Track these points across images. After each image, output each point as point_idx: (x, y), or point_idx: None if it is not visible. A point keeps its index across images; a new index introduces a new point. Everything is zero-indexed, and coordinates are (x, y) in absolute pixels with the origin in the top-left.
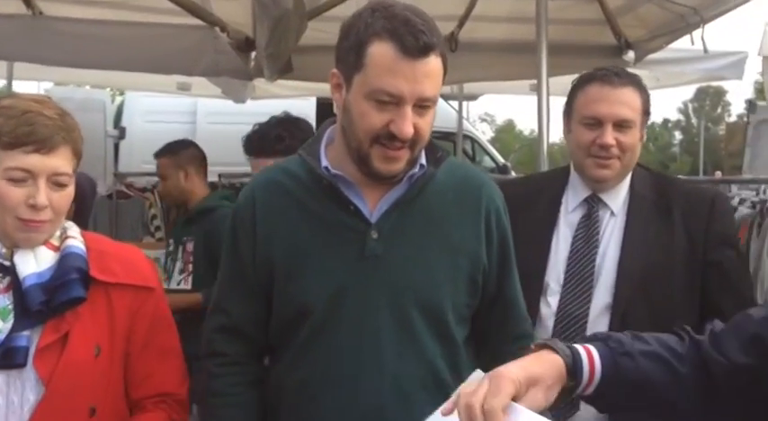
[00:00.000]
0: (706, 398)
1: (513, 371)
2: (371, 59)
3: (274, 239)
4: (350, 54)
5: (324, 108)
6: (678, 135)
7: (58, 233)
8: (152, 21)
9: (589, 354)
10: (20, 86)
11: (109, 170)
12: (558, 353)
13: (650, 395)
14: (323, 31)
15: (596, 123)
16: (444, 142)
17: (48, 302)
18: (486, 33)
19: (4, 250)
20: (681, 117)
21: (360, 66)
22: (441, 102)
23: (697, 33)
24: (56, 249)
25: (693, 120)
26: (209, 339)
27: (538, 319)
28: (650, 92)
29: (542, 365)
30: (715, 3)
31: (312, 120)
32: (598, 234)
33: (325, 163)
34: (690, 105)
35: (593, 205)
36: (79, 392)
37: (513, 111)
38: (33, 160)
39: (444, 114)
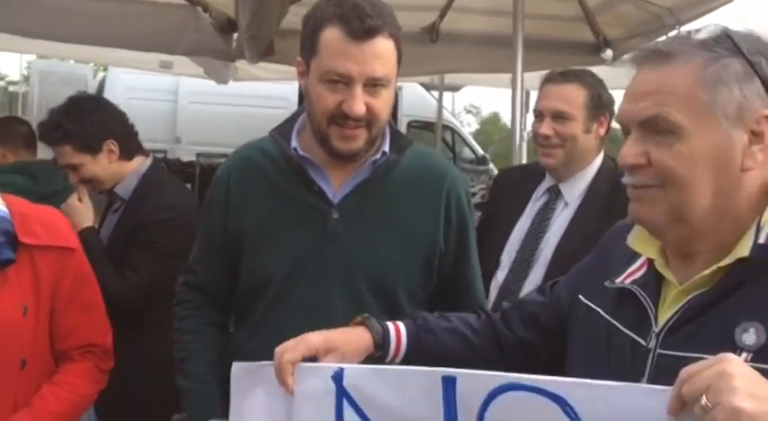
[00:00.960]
0: (498, 368)
1: (315, 337)
2: (323, 44)
3: (245, 212)
4: (307, 41)
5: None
6: None
7: None
8: None
9: (397, 330)
10: (2, 58)
11: None
12: (369, 329)
13: (450, 364)
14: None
15: (539, 116)
16: (424, 132)
17: None
18: (467, 25)
19: None
20: None
21: (315, 51)
22: (422, 91)
23: (673, 35)
24: None
25: None
26: (178, 292)
27: (490, 291)
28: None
29: (346, 337)
30: (691, 5)
31: (294, 104)
32: (548, 221)
33: (294, 144)
34: None
35: (552, 195)
36: (9, 348)
37: (498, 103)
38: None
39: (425, 104)
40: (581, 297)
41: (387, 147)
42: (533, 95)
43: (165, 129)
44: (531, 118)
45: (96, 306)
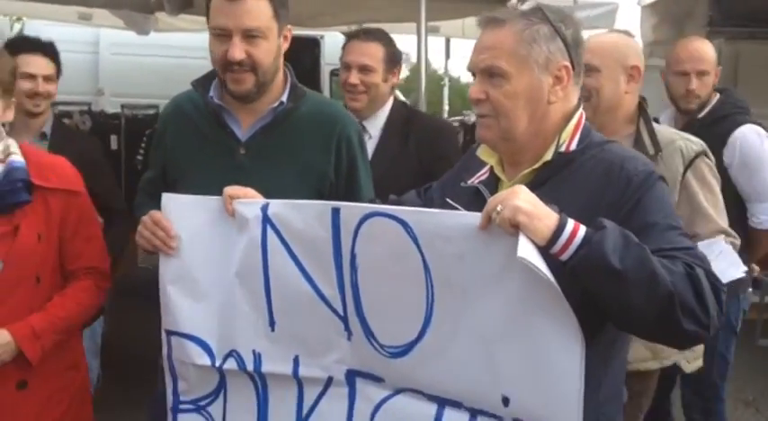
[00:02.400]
0: None
1: (251, 191)
2: (212, 6)
3: (175, 149)
4: (206, 7)
5: None
6: None
7: (1, 147)
8: None
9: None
10: None
11: None
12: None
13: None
14: None
15: (347, 68)
16: None
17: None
18: None
19: None
20: None
21: (208, 13)
22: (343, 40)
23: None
24: (1, 162)
25: None
26: (136, 200)
27: None
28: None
29: None
30: None
31: None
32: None
33: (212, 93)
34: None
35: (362, 128)
36: (27, 266)
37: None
38: None
39: None
40: (447, 199)
41: (285, 98)
42: (456, 42)
43: (88, 82)
44: (452, 64)
45: (96, 237)
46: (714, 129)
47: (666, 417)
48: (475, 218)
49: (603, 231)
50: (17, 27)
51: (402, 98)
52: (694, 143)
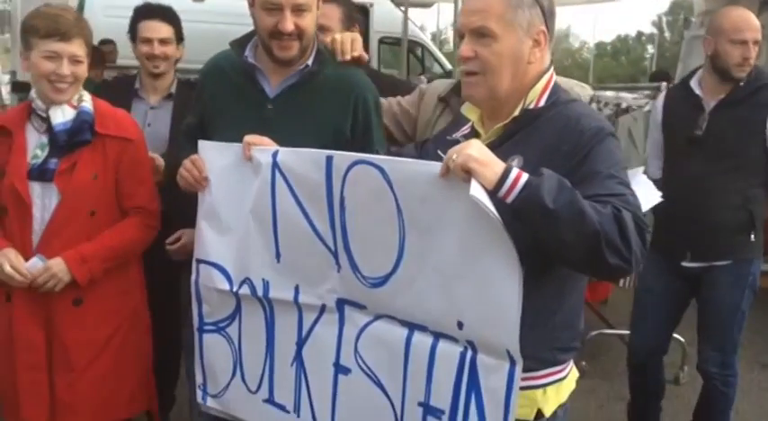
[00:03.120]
0: None
1: (268, 140)
2: None
3: (212, 100)
4: None
5: None
6: (651, 49)
7: (76, 96)
8: None
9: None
10: None
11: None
12: None
13: None
14: None
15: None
16: (395, 47)
17: (67, 141)
18: None
19: (43, 106)
20: (654, 31)
21: None
22: (393, 9)
23: None
24: (74, 108)
25: (667, 34)
26: (180, 140)
27: None
28: (586, 15)
29: None
30: None
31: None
32: None
33: (247, 53)
34: (664, 19)
35: None
36: (82, 201)
37: None
38: (59, 46)
39: (395, 21)
40: (438, 151)
41: (311, 61)
42: None
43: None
44: None
45: (146, 180)
46: (759, 96)
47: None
48: (437, 166)
49: (542, 177)
50: None
51: (449, 65)
52: (586, 89)
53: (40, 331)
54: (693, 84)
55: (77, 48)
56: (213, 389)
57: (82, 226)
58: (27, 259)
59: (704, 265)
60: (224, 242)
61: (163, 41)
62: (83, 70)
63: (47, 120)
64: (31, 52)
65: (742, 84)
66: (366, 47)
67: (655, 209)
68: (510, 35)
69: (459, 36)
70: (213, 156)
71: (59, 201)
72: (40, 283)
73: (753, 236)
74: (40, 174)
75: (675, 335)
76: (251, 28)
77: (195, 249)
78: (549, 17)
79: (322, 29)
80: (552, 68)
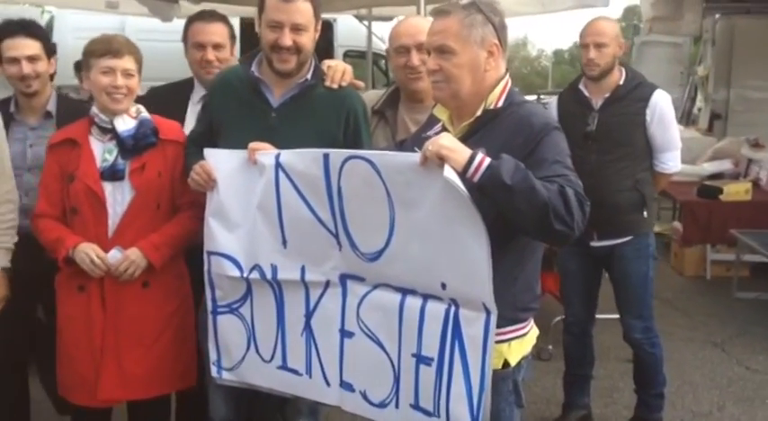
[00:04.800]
0: None
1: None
2: (267, 5)
3: (220, 109)
4: (259, 4)
5: (247, 27)
6: None
7: (134, 109)
8: None
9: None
10: None
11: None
12: None
13: None
14: None
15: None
16: (360, 60)
17: (134, 145)
18: None
19: (107, 119)
20: None
21: (262, 9)
22: (356, 23)
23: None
24: (134, 118)
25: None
26: (186, 146)
27: None
28: (542, 23)
29: None
30: None
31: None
32: None
33: (253, 68)
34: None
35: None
36: (152, 195)
37: None
38: (112, 62)
39: (359, 35)
40: (415, 148)
41: (309, 75)
42: None
43: None
44: None
45: None
46: (635, 93)
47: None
48: (417, 156)
49: (501, 160)
50: (47, 17)
51: None
52: None
53: (112, 315)
54: (581, 87)
55: (128, 63)
56: (228, 363)
57: (150, 218)
58: (104, 250)
59: (610, 244)
60: (233, 235)
61: (31, 59)
62: (134, 83)
63: (111, 129)
64: (91, 71)
65: (621, 83)
66: (331, 59)
67: None
68: (466, 49)
69: (427, 53)
70: (219, 161)
71: (133, 196)
72: (121, 271)
73: (645, 213)
74: (112, 174)
75: None
76: None
77: (205, 243)
78: (500, 31)
79: (299, 29)
80: (508, 75)
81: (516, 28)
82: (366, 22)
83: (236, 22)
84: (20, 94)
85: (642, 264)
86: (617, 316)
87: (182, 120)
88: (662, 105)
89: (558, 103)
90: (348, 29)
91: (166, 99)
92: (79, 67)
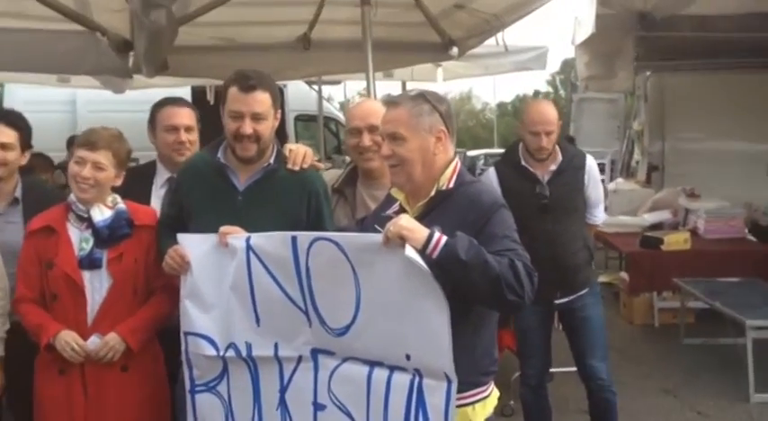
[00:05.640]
0: None
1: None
2: (228, 96)
3: (189, 195)
4: (222, 95)
5: (198, 95)
6: None
7: (110, 199)
8: (38, 27)
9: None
10: None
11: None
12: None
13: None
14: (193, 35)
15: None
16: (311, 123)
17: (109, 235)
18: (332, 34)
19: (83, 207)
20: (550, 89)
21: (224, 100)
22: (305, 88)
23: (500, 35)
24: (111, 208)
25: (561, 92)
26: (158, 230)
27: None
28: (486, 77)
29: None
30: (511, 11)
31: None
32: None
33: (219, 155)
34: (557, 78)
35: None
36: (129, 282)
37: (388, 92)
38: (85, 153)
39: (309, 99)
40: (376, 225)
41: (272, 160)
42: (410, 85)
43: (65, 138)
44: None
45: None
46: (574, 163)
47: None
48: (379, 237)
49: (456, 238)
50: None
51: None
52: None
53: (93, 400)
54: (525, 163)
55: (102, 156)
56: None
57: (128, 304)
58: (82, 335)
59: (571, 298)
60: (208, 316)
61: (4, 146)
62: (104, 176)
63: (88, 218)
64: (71, 160)
65: (561, 158)
66: (283, 124)
67: None
68: (416, 136)
69: (382, 139)
70: (192, 245)
71: (111, 284)
72: (101, 356)
73: (593, 264)
74: (90, 263)
75: None
76: None
77: (182, 324)
78: (447, 119)
79: (259, 118)
80: (457, 157)
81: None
82: (316, 87)
83: (187, 90)
84: None
85: (599, 308)
86: (573, 368)
87: (146, 203)
88: (594, 168)
89: (501, 179)
90: (298, 93)
91: (130, 182)
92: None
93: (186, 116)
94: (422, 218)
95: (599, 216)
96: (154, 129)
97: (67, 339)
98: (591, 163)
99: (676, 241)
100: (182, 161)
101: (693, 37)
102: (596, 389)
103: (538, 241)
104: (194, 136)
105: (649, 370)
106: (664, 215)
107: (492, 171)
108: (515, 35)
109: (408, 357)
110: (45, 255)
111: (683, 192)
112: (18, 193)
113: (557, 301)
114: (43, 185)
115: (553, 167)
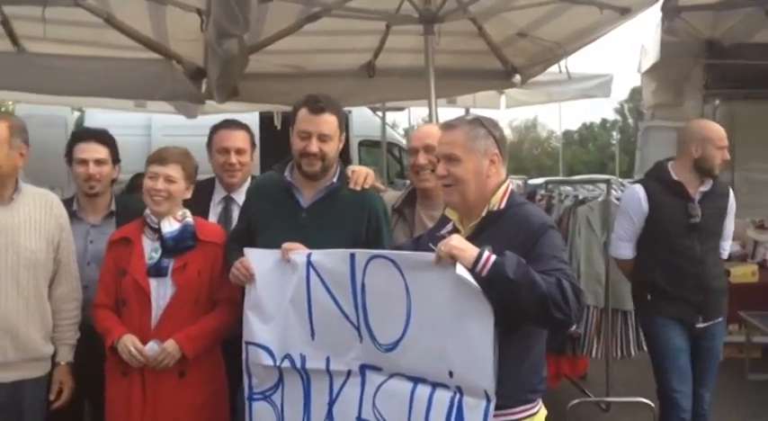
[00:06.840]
0: None
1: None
2: (298, 117)
3: (258, 210)
4: (291, 116)
5: (265, 120)
6: (616, 134)
7: (180, 213)
8: (118, 55)
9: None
10: None
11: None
12: None
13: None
14: (262, 62)
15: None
16: (374, 149)
17: (174, 246)
18: (396, 62)
19: (156, 220)
20: (618, 117)
21: (294, 121)
22: (369, 114)
23: (563, 62)
24: (179, 221)
25: (630, 120)
26: (227, 244)
27: None
28: (551, 105)
29: None
30: (573, 40)
31: (256, 130)
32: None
33: (286, 173)
34: (626, 105)
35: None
36: (191, 292)
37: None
38: (157, 169)
39: (373, 125)
40: (430, 244)
41: (335, 179)
42: (480, 111)
43: (141, 160)
44: None
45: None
46: (719, 188)
47: None
48: (432, 256)
49: (505, 257)
50: (77, 114)
51: None
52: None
53: (151, 402)
54: (678, 179)
55: (173, 170)
56: None
57: (189, 312)
58: (145, 340)
59: (709, 324)
60: (267, 327)
61: (98, 162)
62: (176, 188)
63: (158, 229)
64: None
65: (713, 180)
66: (347, 149)
67: (654, 284)
68: (471, 158)
69: (437, 160)
70: (257, 259)
71: (174, 292)
72: (158, 361)
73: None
74: (157, 271)
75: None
76: None
77: (244, 334)
78: (501, 143)
79: (325, 139)
80: (509, 179)
81: (526, 111)
82: (380, 113)
83: (255, 116)
84: (82, 195)
85: (722, 341)
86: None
87: (204, 216)
88: (734, 199)
89: (649, 195)
90: (363, 119)
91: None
92: None
93: (239, 139)
94: (473, 237)
95: (727, 249)
96: (211, 150)
97: (127, 343)
98: (731, 192)
99: (743, 273)
100: (233, 182)
101: (763, 65)
102: (696, 418)
103: (684, 258)
104: (246, 158)
105: (712, 406)
106: (732, 246)
107: (639, 187)
108: (580, 62)
109: (451, 374)
110: (120, 264)
111: (752, 224)
112: (113, 207)
113: (698, 326)
114: (135, 201)
115: (704, 189)
